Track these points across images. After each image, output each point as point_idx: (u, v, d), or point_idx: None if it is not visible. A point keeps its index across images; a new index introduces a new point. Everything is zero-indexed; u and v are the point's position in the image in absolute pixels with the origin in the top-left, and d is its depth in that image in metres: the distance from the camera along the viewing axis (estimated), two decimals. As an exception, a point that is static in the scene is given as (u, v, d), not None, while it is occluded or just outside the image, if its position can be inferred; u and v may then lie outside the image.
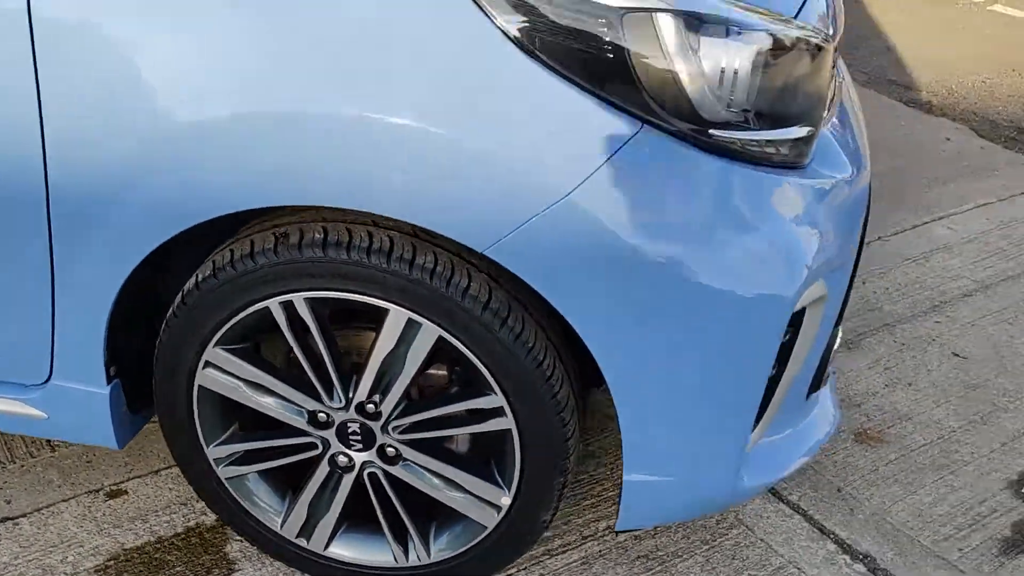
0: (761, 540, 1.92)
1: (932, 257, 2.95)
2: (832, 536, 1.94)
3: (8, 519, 1.86)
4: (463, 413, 1.58)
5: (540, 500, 1.61)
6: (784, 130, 1.52)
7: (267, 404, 1.62)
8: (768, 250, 1.47)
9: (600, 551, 1.87)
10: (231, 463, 1.70)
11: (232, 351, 1.58)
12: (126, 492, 1.93)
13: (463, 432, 1.62)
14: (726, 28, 1.43)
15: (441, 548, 1.70)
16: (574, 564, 1.84)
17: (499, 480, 1.61)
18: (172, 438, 1.69)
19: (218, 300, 1.52)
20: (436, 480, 1.63)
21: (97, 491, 1.93)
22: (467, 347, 1.48)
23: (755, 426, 1.64)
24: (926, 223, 3.15)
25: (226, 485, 1.71)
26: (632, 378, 1.49)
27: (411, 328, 1.49)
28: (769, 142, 1.50)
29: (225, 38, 1.35)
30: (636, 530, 1.84)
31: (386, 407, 1.57)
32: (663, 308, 1.45)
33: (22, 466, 1.98)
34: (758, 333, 1.48)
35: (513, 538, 1.66)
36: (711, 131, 1.43)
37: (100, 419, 1.67)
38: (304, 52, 1.35)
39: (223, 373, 1.59)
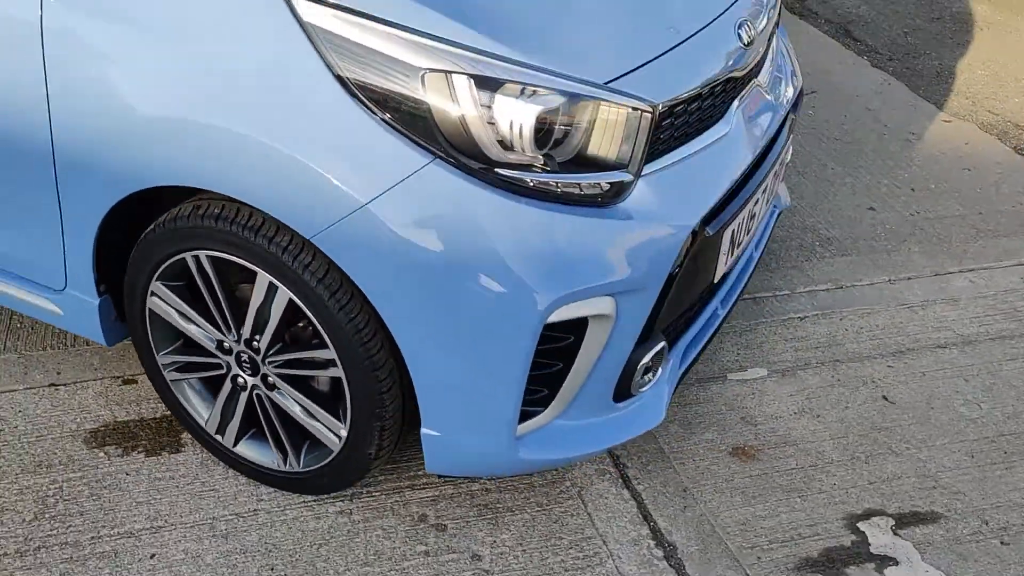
0: (587, 513, 2.28)
1: (931, 306, 3.07)
2: (651, 523, 2.27)
3: (54, 384, 2.57)
4: (316, 360, 2.08)
5: (364, 437, 2.09)
6: (579, 175, 1.89)
7: (191, 330, 2.20)
8: (523, 268, 1.84)
9: (452, 494, 2.31)
10: (174, 370, 2.29)
11: (169, 286, 2.16)
12: (136, 382, 2.59)
13: (314, 374, 2.12)
14: (522, 88, 1.82)
15: (308, 461, 2.22)
16: (426, 498, 2.29)
17: (340, 416, 2.11)
18: (137, 346, 2.31)
19: (158, 246, 2.10)
20: (298, 408, 2.15)
21: (117, 378, 2.60)
22: (308, 310, 1.98)
23: (543, 409, 2.01)
24: (950, 272, 3.24)
25: (171, 387, 2.31)
26: (418, 352, 1.93)
27: (272, 289, 2.01)
28: (566, 183, 1.88)
29: (151, 68, 1.91)
30: (446, 476, 2.24)
31: (263, 344, 2.11)
32: (438, 302, 1.88)
33: (78, 351, 2.69)
34: (512, 334, 1.87)
35: (353, 462, 2.15)
36: (497, 169, 1.83)
37: (93, 322, 2.31)
38: (194, 83, 1.89)
39: (163, 302, 2.19)
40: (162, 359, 2.27)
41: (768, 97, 2.43)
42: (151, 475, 2.32)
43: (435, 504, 2.28)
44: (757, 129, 2.33)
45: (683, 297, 2.17)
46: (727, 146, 2.21)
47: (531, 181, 1.87)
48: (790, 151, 2.66)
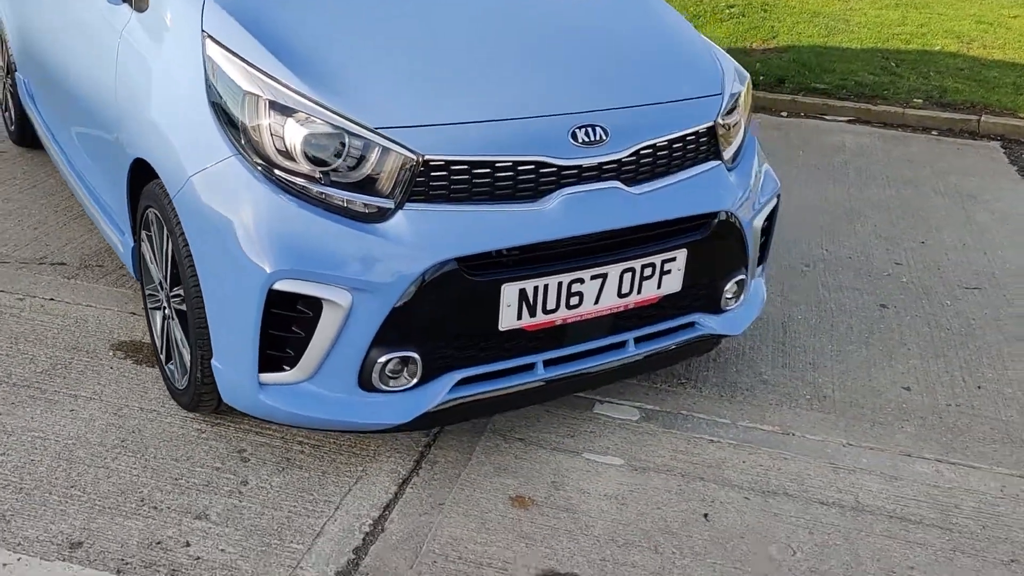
0: (349, 488, 2.74)
1: (863, 474, 2.99)
2: (386, 514, 2.67)
3: (134, 313, 3.65)
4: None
5: (194, 363, 2.82)
6: (349, 194, 2.53)
7: (152, 270, 3.12)
8: (265, 240, 2.48)
9: (277, 445, 2.92)
10: (149, 301, 3.23)
11: (145, 234, 3.12)
12: (174, 324, 3.56)
13: (179, 308, 2.90)
14: (306, 116, 2.54)
15: (183, 381, 3.00)
16: (257, 441, 2.92)
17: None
18: (139, 278, 3.29)
19: (142, 202, 3.06)
20: (178, 335, 2.96)
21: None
22: (174, 254, 2.80)
23: (290, 368, 2.60)
24: (923, 457, 3.11)
25: (148, 316, 3.25)
26: (209, 292, 2.64)
27: (167, 239, 2.87)
28: (338, 198, 2.54)
29: (145, 78, 2.93)
30: (242, 412, 2.83)
31: (166, 283, 2.96)
32: (217, 253, 2.58)
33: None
34: (251, 288, 2.50)
35: (191, 384, 2.86)
36: (275, 171, 2.55)
37: (128, 260, 3.35)
38: (156, 90, 2.85)
39: (145, 246, 3.15)
40: (146, 291, 3.21)
41: (626, 201, 2.75)
42: (121, 374, 3.23)
43: (259, 446, 2.90)
44: (584, 220, 2.68)
45: (443, 323, 2.59)
46: (526, 219, 2.60)
47: (308, 189, 2.51)
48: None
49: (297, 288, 2.47)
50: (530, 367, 2.79)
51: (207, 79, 2.63)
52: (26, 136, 4.99)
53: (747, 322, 3.21)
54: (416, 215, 2.50)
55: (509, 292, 2.58)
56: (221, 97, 2.59)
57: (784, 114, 6.83)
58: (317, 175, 2.49)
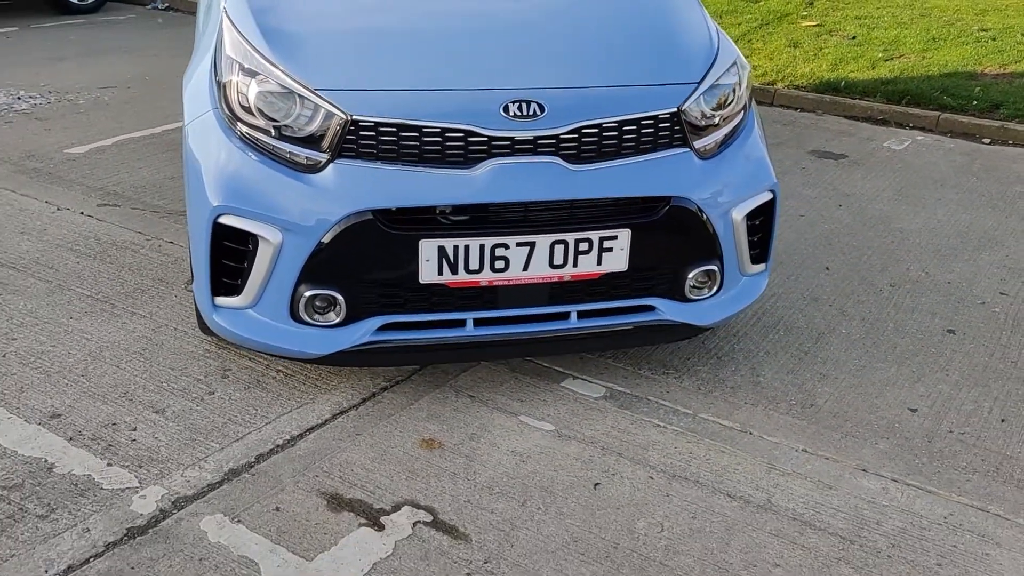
0: (296, 408, 3.15)
1: (796, 479, 2.93)
2: (306, 435, 3.04)
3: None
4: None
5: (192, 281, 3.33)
6: (290, 146, 2.93)
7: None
8: (216, 180, 2.91)
9: (258, 368, 3.38)
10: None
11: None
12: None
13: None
14: (264, 77, 2.98)
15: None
16: (242, 363, 3.41)
17: (199, 274, 3.39)
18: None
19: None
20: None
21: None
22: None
23: (237, 296, 3.03)
24: (879, 475, 2.99)
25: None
26: (189, 228, 3.14)
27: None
28: (281, 149, 2.95)
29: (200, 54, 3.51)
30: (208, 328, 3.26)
31: (198, 222, 3.51)
32: (191, 188, 3.06)
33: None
34: (204, 219, 2.95)
35: (195, 306, 3.40)
36: (237, 124, 3.01)
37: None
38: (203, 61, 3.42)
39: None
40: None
41: (562, 176, 2.91)
42: (180, 301, 3.82)
43: (244, 368, 3.33)
44: (509, 189, 2.87)
45: (363, 269, 2.89)
46: (451, 182, 2.83)
47: (258, 140, 2.94)
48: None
49: (237, 223, 2.86)
50: (460, 323, 2.98)
51: (216, 50, 3.11)
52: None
53: (721, 316, 3.19)
54: (343, 169, 2.81)
55: (427, 248, 2.81)
56: (218, 61, 3.05)
57: (987, 141, 6.33)
58: (270, 129, 2.88)
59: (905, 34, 8.18)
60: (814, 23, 8.49)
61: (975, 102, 6.48)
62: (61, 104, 6.46)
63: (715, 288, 3.14)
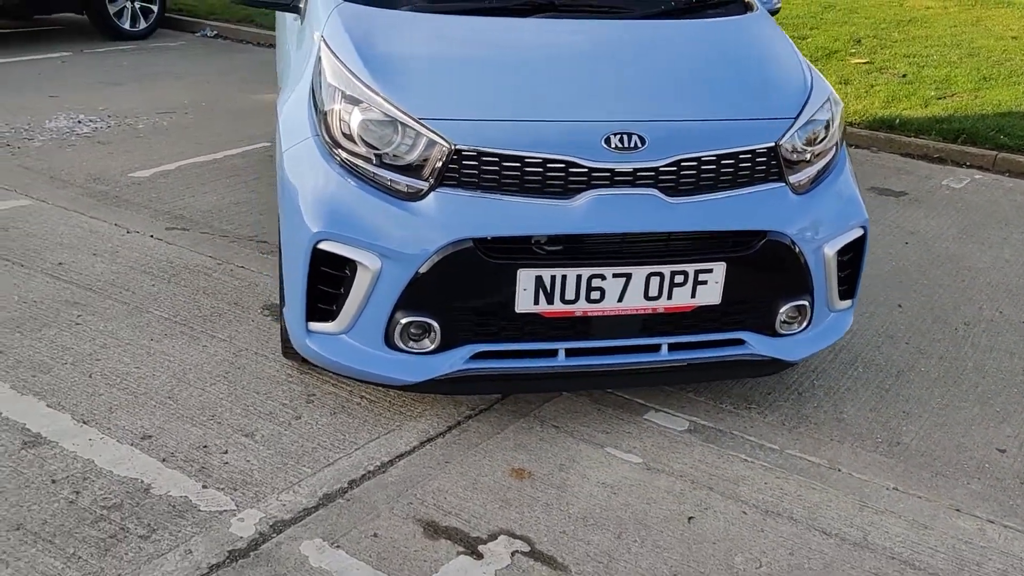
0: (379, 433, 3.13)
1: (888, 516, 2.91)
2: (395, 459, 3.04)
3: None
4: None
5: (282, 311, 3.35)
6: (391, 174, 2.96)
7: (285, 238, 3.72)
8: (316, 205, 2.94)
9: (345, 396, 3.39)
10: (286, 266, 3.82)
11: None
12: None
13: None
14: (368, 105, 3.02)
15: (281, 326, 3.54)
16: (327, 393, 3.42)
17: (285, 298, 3.41)
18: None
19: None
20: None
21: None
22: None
23: (332, 321, 3.05)
24: (974, 515, 2.97)
25: (285, 277, 3.85)
26: (284, 245, 3.16)
27: (282, 208, 3.45)
28: (382, 177, 2.99)
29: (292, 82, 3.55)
30: (298, 353, 3.26)
31: (283, 247, 3.54)
32: (288, 213, 3.10)
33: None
34: (301, 244, 2.97)
35: (283, 331, 3.41)
36: (337, 150, 3.04)
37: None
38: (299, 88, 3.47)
39: (284, 219, 3.76)
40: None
41: (660, 209, 2.92)
42: (259, 326, 3.84)
43: (328, 394, 3.35)
44: (608, 220, 2.88)
45: (460, 297, 2.90)
46: (552, 213, 2.85)
47: (360, 167, 2.96)
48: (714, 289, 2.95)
49: (336, 249, 2.88)
50: (552, 353, 2.99)
51: (314, 78, 3.14)
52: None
53: (808, 351, 3.19)
54: (444, 197, 2.83)
55: (525, 277, 2.83)
56: (316, 88, 3.09)
57: (1044, 182, 6.30)
58: (371, 157, 2.90)
59: (955, 73, 8.18)
60: (863, 60, 8.51)
61: (1020, 140, 6.45)
62: (121, 128, 6.54)
63: (805, 323, 3.14)
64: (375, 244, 2.82)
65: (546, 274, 2.82)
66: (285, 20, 4.63)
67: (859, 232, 3.17)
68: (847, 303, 3.27)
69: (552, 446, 3.08)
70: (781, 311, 3.07)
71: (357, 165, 2.90)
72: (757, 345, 3.09)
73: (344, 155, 2.91)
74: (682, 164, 2.90)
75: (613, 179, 2.85)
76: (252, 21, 10.32)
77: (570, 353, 2.99)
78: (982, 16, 10.30)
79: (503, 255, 2.81)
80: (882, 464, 3.08)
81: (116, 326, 3.71)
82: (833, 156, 3.16)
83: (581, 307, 2.89)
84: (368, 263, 2.82)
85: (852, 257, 3.20)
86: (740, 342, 3.09)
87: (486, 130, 2.84)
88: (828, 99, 3.20)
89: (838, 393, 3.50)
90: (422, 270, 2.80)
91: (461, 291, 2.85)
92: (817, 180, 3.10)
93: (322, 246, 2.86)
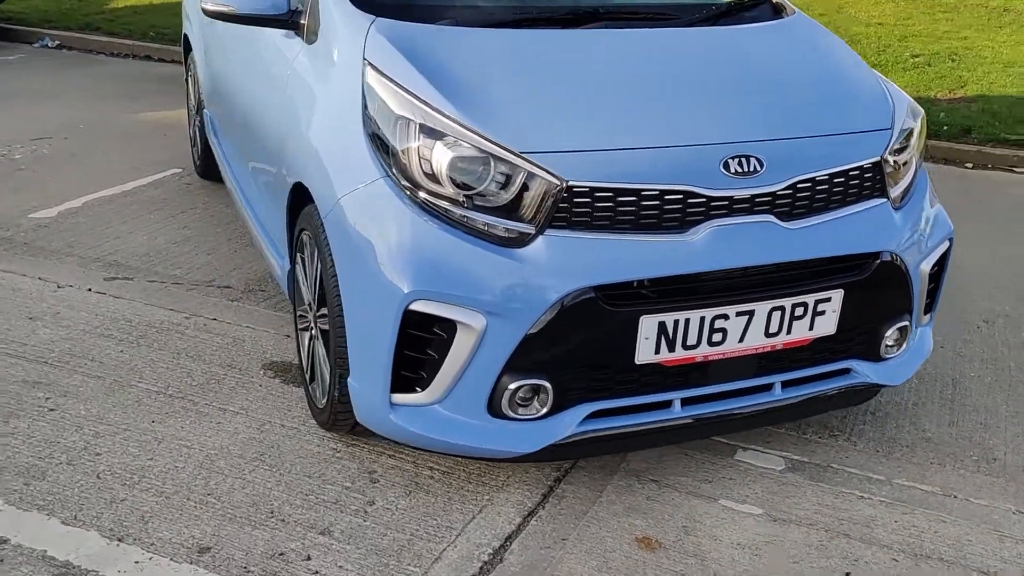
0: (473, 517, 2.71)
1: None
2: (507, 545, 2.63)
3: (288, 336, 3.77)
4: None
5: (334, 381, 2.86)
6: (489, 217, 2.53)
7: (303, 291, 3.21)
8: (404, 260, 2.50)
9: (407, 468, 2.92)
10: (300, 322, 3.32)
11: (300, 258, 3.22)
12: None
13: (322, 328, 2.96)
14: (455, 140, 2.58)
15: (324, 399, 3.06)
16: (388, 465, 2.95)
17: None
18: (291, 300, 3.40)
19: (297, 227, 3.16)
20: (321, 354, 3.03)
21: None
22: (322, 275, 2.88)
23: (422, 390, 2.61)
24: None
25: (297, 336, 3.34)
26: (350, 311, 2.68)
27: (315, 260, 2.95)
28: (479, 221, 2.55)
29: (313, 106, 3.05)
30: (373, 432, 2.81)
31: (314, 303, 3.05)
32: (359, 272, 2.63)
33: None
34: (387, 307, 2.52)
35: (329, 402, 2.90)
36: (420, 193, 2.59)
37: (284, 282, 3.46)
38: (317, 116, 2.96)
39: (298, 269, 3.25)
40: (297, 313, 3.31)
41: (779, 236, 2.64)
42: (268, 391, 3.33)
43: (389, 468, 2.91)
44: (732, 253, 2.58)
45: (577, 353, 2.53)
46: (671, 250, 2.54)
47: (450, 212, 2.53)
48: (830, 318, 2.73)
49: (432, 309, 2.46)
50: (667, 404, 2.68)
51: (364, 104, 2.69)
52: (209, 169, 5.28)
53: (909, 373, 3.00)
54: (556, 241, 2.46)
55: (648, 325, 2.50)
56: (375, 121, 2.64)
57: (969, 165, 6.45)
58: (461, 198, 2.49)
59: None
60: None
61: (945, 127, 6.59)
62: (-4, 160, 5.73)
63: (904, 344, 2.95)
64: (480, 300, 2.43)
65: (669, 319, 2.51)
66: (224, 28, 4.09)
67: (947, 244, 3.01)
68: (927, 318, 3.12)
69: (663, 505, 2.78)
70: (887, 334, 2.87)
71: (444, 209, 2.49)
72: (864, 372, 2.90)
73: (427, 198, 2.49)
74: (797, 186, 2.64)
75: (731, 207, 2.56)
76: (98, 29, 9.44)
77: (685, 403, 2.69)
78: (843, 3, 10.59)
79: (625, 302, 2.48)
80: (992, 485, 2.95)
81: (100, 408, 3.14)
82: (916, 166, 2.98)
83: (702, 351, 2.60)
84: (471, 323, 2.43)
85: (937, 270, 3.04)
86: (847, 371, 2.89)
87: (598, 162, 2.50)
88: (908, 106, 3.02)
89: (908, 408, 3.35)
90: (537, 326, 2.43)
91: (578, 346, 2.51)
92: (907, 193, 2.92)
93: (416, 307, 2.45)
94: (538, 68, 2.78)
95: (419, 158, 2.52)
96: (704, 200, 2.55)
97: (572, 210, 2.48)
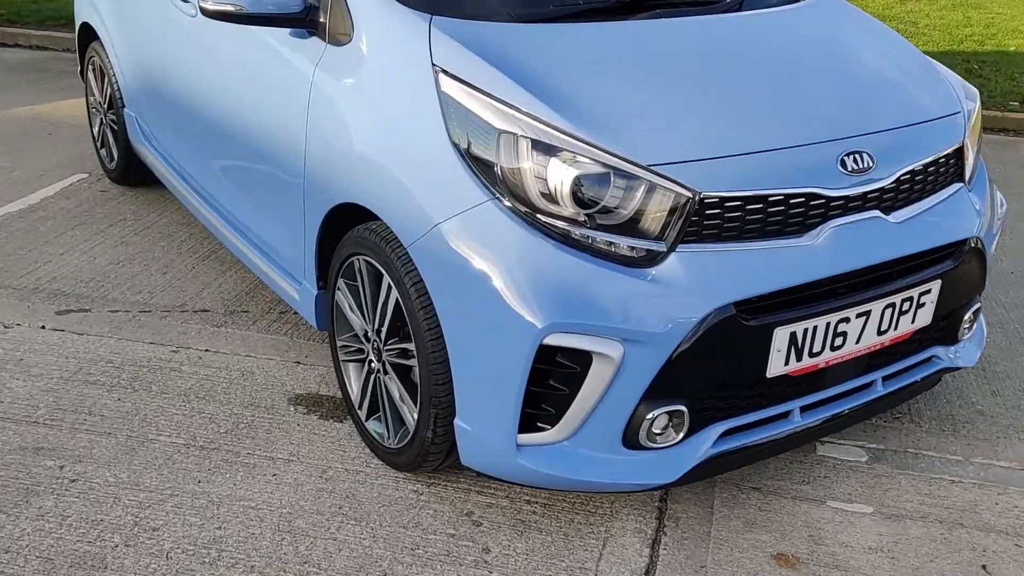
0: (599, 554, 2.53)
1: None
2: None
3: (298, 362, 3.42)
4: (408, 351, 2.64)
5: (425, 422, 2.59)
6: (616, 236, 2.31)
7: (352, 319, 2.90)
8: (533, 291, 2.27)
9: (503, 505, 2.70)
10: (343, 353, 3.00)
11: (346, 283, 2.90)
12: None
13: (405, 363, 2.68)
14: (573, 156, 2.33)
15: (398, 439, 2.77)
16: (482, 502, 2.71)
17: (416, 402, 2.65)
18: (329, 331, 3.07)
19: (344, 249, 2.82)
20: (396, 392, 2.73)
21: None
22: (404, 308, 2.58)
23: (550, 427, 2.39)
24: None
25: (340, 367, 3.02)
26: (457, 348, 2.42)
27: (389, 289, 2.64)
28: (603, 241, 2.32)
29: (360, 121, 2.70)
30: (481, 473, 2.58)
31: (382, 335, 2.74)
32: (473, 306, 2.37)
33: (324, 342, 3.53)
34: (515, 343, 2.28)
35: (417, 444, 2.64)
36: (539, 215, 2.33)
37: (311, 309, 3.12)
38: (376, 134, 2.62)
39: (342, 295, 2.92)
40: (339, 342, 2.99)
41: (889, 231, 2.55)
42: (311, 431, 3.02)
43: (486, 507, 2.68)
44: (854, 254, 2.48)
45: (712, 373, 2.39)
46: (798, 255, 2.41)
47: (572, 233, 2.30)
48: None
49: (567, 342, 2.25)
50: (786, 414, 2.58)
51: (445, 118, 2.41)
52: (131, 175, 4.78)
53: (979, 352, 3.02)
54: (690, 257, 2.30)
55: (780, 336, 2.39)
56: (467, 137, 2.37)
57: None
58: (582, 218, 2.28)
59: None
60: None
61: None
62: None
63: (973, 325, 2.97)
64: (617, 328, 2.25)
65: (799, 328, 2.41)
66: (166, 20, 3.73)
67: (999, 222, 3.04)
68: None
69: (778, 515, 2.70)
70: (965, 318, 2.88)
71: (564, 230, 2.28)
72: (946, 357, 2.91)
73: (546, 220, 2.27)
74: (901, 179, 2.58)
75: (847, 206, 2.48)
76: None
77: (802, 410, 2.61)
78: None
79: (761, 315, 2.35)
80: (1062, 454, 3.01)
81: (129, 472, 2.77)
82: (976, 147, 2.98)
83: (824, 357, 2.51)
84: (609, 352, 2.25)
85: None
86: (931, 358, 2.87)
87: (726, 169, 2.35)
88: (963, 87, 3.01)
89: (950, 383, 3.40)
90: (679, 349, 2.27)
91: (715, 365, 2.37)
92: (974, 174, 2.92)
93: (550, 340, 2.23)
94: (624, 67, 2.58)
95: (534, 177, 2.28)
96: (824, 201, 2.45)
97: (703, 223, 2.32)
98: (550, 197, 2.30)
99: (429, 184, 2.43)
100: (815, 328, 2.45)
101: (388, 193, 2.52)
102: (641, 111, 2.44)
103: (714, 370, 2.38)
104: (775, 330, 2.38)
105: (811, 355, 2.48)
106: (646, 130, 2.38)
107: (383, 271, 2.61)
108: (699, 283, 2.29)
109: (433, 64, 2.50)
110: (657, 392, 2.33)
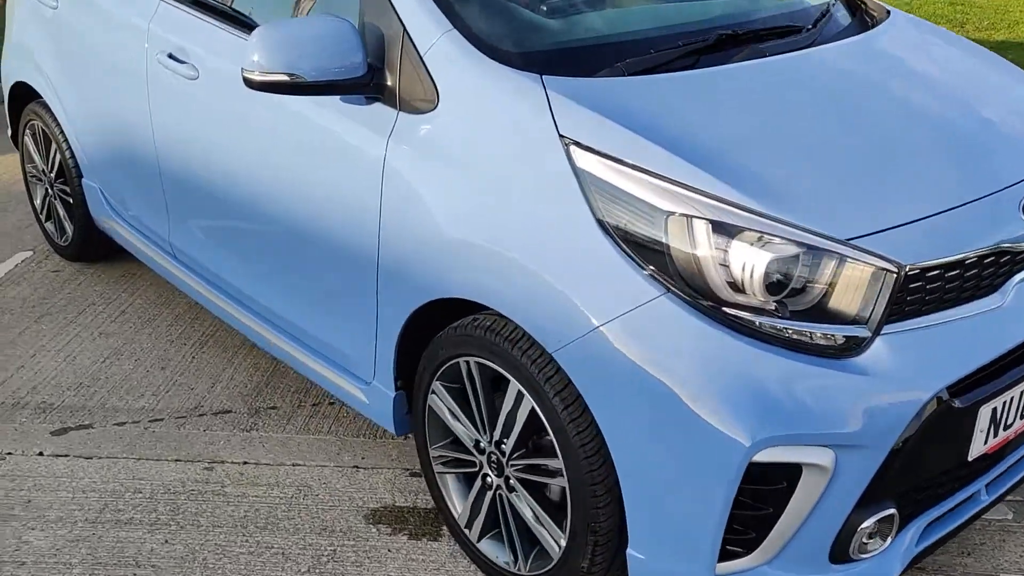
0: None
1: None
2: None
3: (356, 467, 2.98)
4: (548, 468, 2.27)
5: (579, 550, 2.22)
6: (813, 325, 1.98)
7: (456, 428, 2.50)
8: (735, 403, 1.93)
9: None
10: (440, 464, 2.59)
11: (445, 386, 2.49)
12: (420, 475, 2.92)
13: (545, 482, 2.30)
14: (759, 236, 1.98)
15: (532, 567, 2.39)
16: None
17: (562, 527, 2.27)
18: (417, 438, 2.65)
19: (442, 349, 2.42)
20: (529, 512, 2.35)
21: (407, 469, 2.95)
22: (545, 419, 2.20)
23: (749, 552, 2.05)
24: None
25: (437, 479, 2.61)
26: (631, 471, 2.06)
27: (520, 397, 2.26)
28: (798, 331, 1.98)
29: (455, 201, 2.30)
30: None
31: (508, 447, 2.35)
32: (653, 424, 2.01)
33: (382, 442, 3.09)
34: (717, 466, 1.95)
35: (568, 570, 2.29)
36: (725, 308, 1.98)
37: (388, 413, 2.69)
38: (485, 215, 2.22)
39: (439, 399, 2.51)
40: (433, 452, 2.58)
41: None
42: (407, 555, 2.60)
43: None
44: None
45: (922, 467, 2.10)
46: (994, 320, 2.15)
47: (761, 324, 1.96)
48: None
49: (776, 456, 1.92)
50: (975, 493, 2.32)
51: (588, 200, 2.05)
52: (88, 250, 4.22)
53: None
54: (897, 340, 2.01)
55: (984, 413, 2.14)
56: (622, 221, 2.01)
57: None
58: (772, 306, 1.95)
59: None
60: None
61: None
62: None
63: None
64: (828, 433, 1.94)
65: (999, 403, 2.16)
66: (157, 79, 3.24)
67: None
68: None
69: (960, 600, 2.43)
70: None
71: (751, 323, 1.95)
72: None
73: (734, 313, 1.94)
74: None
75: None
76: None
77: (987, 486, 2.36)
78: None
79: (966, 394, 2.08)
80: None
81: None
82: None
83: (1014, 428, 2.27)
84: (821, 461, 1.95)
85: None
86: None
87: (924, 235, 2.07)
88: None
89: None
90: (897, 448, 1.98)
91: (924, 457, 2.08)
92: None
93: (760, 457, 1.90)
94: (772, 124, 2.27)
95: (717, 264, 1.95)
96: (1010, 255, 2.19)
97: (906, 298, 2.02)
98: (736, 286, 1.96)
99: (575, 277, 2.06)
100: (1011, 400, 2.19)
101: (512, 288, 2.14)
102: (814, 175, 2.13)
103: (925, 464, 2.09)
104: (980, 409, 2.11)
105: (1005, 428, 2.23)
106: (832, 198, 2.07)
107: (508, 375, 2.23)
108: (911, 369, 2.01)
109: (560, 135, 2.12)
110: (871, 497, 2.04)
